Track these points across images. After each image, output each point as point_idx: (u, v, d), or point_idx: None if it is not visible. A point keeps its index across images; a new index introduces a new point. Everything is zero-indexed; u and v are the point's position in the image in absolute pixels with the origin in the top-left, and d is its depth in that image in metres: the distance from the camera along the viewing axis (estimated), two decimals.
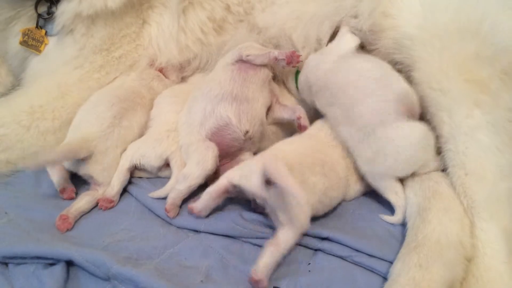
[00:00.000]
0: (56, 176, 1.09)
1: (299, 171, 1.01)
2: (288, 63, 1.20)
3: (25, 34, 1.25)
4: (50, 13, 1.24)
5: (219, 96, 1.14)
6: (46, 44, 1.26)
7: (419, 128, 1.09)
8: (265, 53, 1.21)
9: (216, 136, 1.12)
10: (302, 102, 1.31)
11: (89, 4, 1.20)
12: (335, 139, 1.16)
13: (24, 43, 1.26)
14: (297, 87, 1.31)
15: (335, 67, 1.19)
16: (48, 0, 1.24)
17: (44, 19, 1.25)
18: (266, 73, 1.23)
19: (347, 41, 1.25)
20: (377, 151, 1.08)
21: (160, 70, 1.37)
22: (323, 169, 1.07)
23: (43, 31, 1.26)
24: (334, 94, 1.16)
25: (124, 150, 1.13)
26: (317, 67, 1.22)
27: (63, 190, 1.09)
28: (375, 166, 1.09)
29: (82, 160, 1.08)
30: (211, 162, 1.07)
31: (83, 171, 1.08)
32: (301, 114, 1.22)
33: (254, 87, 1.18)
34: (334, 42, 1.28)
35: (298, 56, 1.21)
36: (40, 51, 1.26)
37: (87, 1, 1.20)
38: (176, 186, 1.06)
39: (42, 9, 1.25)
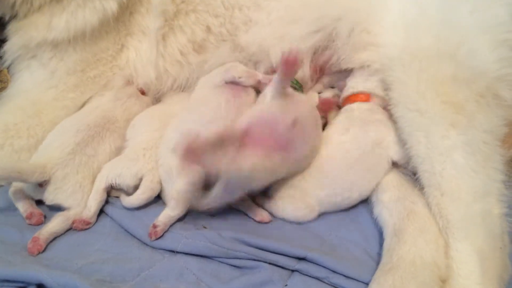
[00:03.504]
0: (20, 202, 1.06)
1: None
2: None
3: None
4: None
5: (212, 122, 1.14)
6: (9, 80, 1.28)
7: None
8: (252, 75, 1.24)
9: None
10: None
11: (29, 37, 1.21)
12: None
13: None
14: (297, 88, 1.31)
15: None
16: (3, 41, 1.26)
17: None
18: (254, 94, 1.25)
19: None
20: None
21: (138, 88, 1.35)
22: None
23: (5, 70, 1.28)
24: None
25: (87, 176, 1.10)
26: None
27: (30, 215, 1.05)
28: None
29: (41, 187, 1.06)
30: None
31: (45, 198, 1.06)
32: None
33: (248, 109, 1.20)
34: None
35: None
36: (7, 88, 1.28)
37: (27, 35, 1.20)
38: (169, 213, 1.05)
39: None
